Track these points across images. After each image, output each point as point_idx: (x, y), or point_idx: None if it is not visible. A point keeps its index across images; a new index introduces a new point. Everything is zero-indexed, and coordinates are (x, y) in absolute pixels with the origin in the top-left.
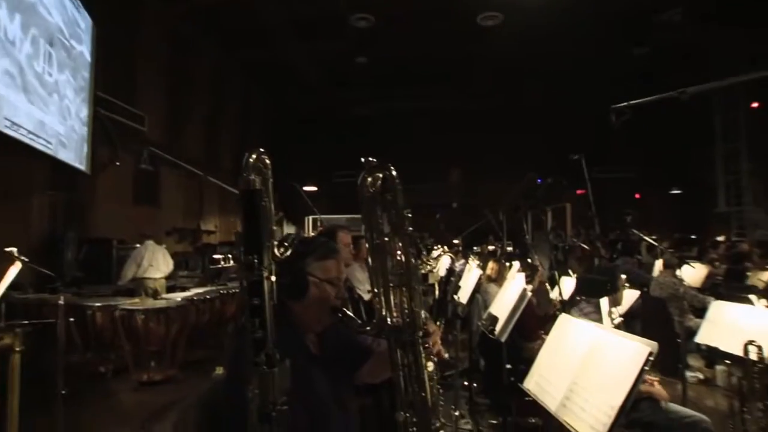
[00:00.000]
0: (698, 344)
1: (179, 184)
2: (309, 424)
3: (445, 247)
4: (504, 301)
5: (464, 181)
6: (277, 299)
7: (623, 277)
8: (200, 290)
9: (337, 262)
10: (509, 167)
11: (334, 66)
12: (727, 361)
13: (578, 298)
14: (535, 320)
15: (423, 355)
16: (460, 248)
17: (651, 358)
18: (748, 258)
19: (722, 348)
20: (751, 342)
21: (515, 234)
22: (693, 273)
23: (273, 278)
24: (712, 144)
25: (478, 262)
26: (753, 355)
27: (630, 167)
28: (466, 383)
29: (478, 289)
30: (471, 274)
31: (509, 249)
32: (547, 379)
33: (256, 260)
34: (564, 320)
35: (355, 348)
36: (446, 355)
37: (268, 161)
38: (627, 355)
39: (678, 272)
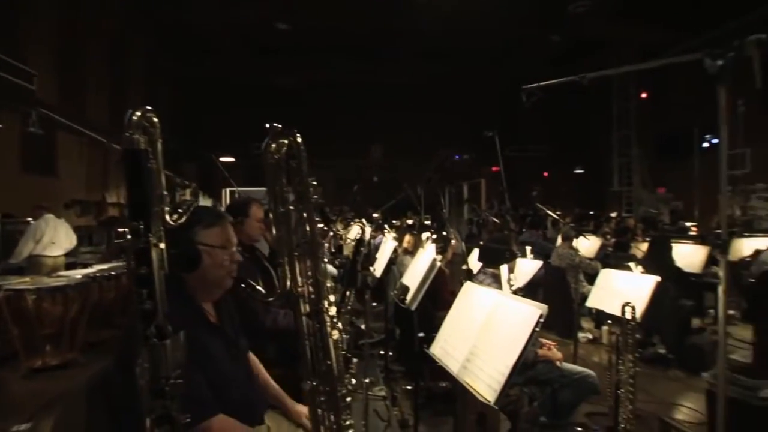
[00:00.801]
0: (589, 308)
1: (81, 152)
2: (211, 394)
3: (364, 220)
4: (415, 272)
5: (385, 157)
6: (169, 271)
7: (528, 248)
8: (104, 266)
9: (227, 226)
10: (429, 143)
11: (253, 31)
12: (610, 321)
13: (481, 271)
14: (448, 290)
15: (328, 323)
16: (380, 221)
17: (542, 320)
18: (632, 231)
19: (607, 310)
20: (627, 303)
21: (433, 208)
22: (588, 244)
23: (162, 246)
24: (610, 130)
25: (394, 235)
26: (628, 315)
27: (540, 147)
28: (382, 352)
29: (394, 260)
30: (386, 245)
31: (427, 222)
32: (451, 343)
33: (142, 226)
34: (468, 287)
35: (252, 313)
36: (362, 326)
37: (155, 120)
38: (521, 317)
39: (575, 243)
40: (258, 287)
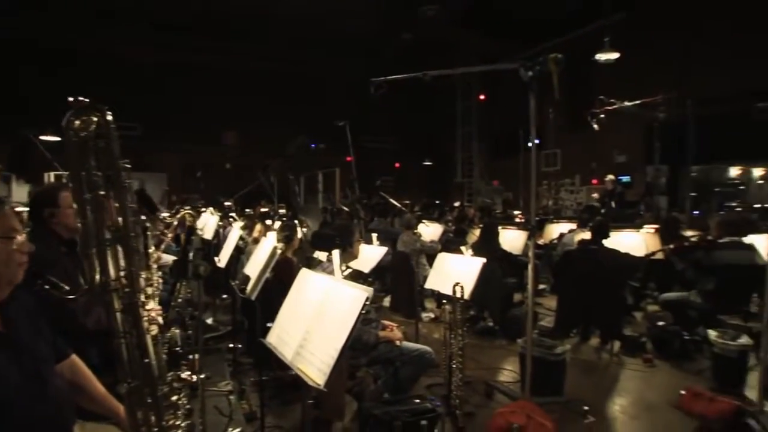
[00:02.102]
0: (432, 289)
1: None
2: None
3: (212, 209)
4: (256, 261)
5: (239, 144)
6: None
7: (374, 235)
8: None
9: (5, 213)
10: (285, 132)
11: None
12: (444, 301)
13: (328, 259)
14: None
15: (145, 319)
16: (228, 210)
17: (367, 303)
18: (470, 219)
19: (442, 290)
20: (457, 284)
21: (287, 196)
22: (431, 230)
23: None
24: (455, 126)
25: (241, 223)
26: (458, 294)
27: (393, 139)
28: (231, 345)
29: (243, 249)
30: (232, 234)
31: (282, 211)
32: (287, 330)
33: None
34: (303, 274)
35: (69, 314)
36: (209, 320)
37: None
38: (349, 301)
39: (418, 230)
40: (60, 283)
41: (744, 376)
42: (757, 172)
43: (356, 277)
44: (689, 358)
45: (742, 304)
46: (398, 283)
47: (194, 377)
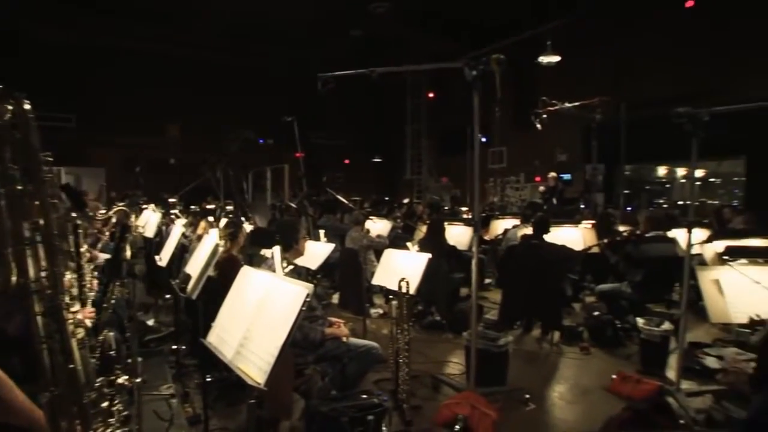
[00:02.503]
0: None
1: None
2: None
3: (154, 206)
4: (197, 259)
5: (184, 138)
6: None
7: (322, 231)
8: None
9: None
10: (233, 126)
11: None
12: (391, 296)
13: (270, 256)
14: None
15: (70, 321)
16: (170, 207)
17: (308, 299)
18: (419, 215)
19: (388, 286)
20: (402, 279)
21: (234, 193)
22: (381, 227)
23: None
24: (404, 123)
25: (184, 221)
26: (404, 289)
27: (342, 135)
28: (174, 347)
29: (187, 248)
30: (174, 231)
31: (229, 207)
32: (227, 330)
33: None
34: (244, 272)
35: None
36: (151, 322)
37: None
38: (289, 297)
39: (366, 226)
40: None
41: (666, 359)
42: (680, 171)
43: (304, 274)
44: (621, 344)
45: (665, 293)
46: (346, 280)
47: (129, 381)
